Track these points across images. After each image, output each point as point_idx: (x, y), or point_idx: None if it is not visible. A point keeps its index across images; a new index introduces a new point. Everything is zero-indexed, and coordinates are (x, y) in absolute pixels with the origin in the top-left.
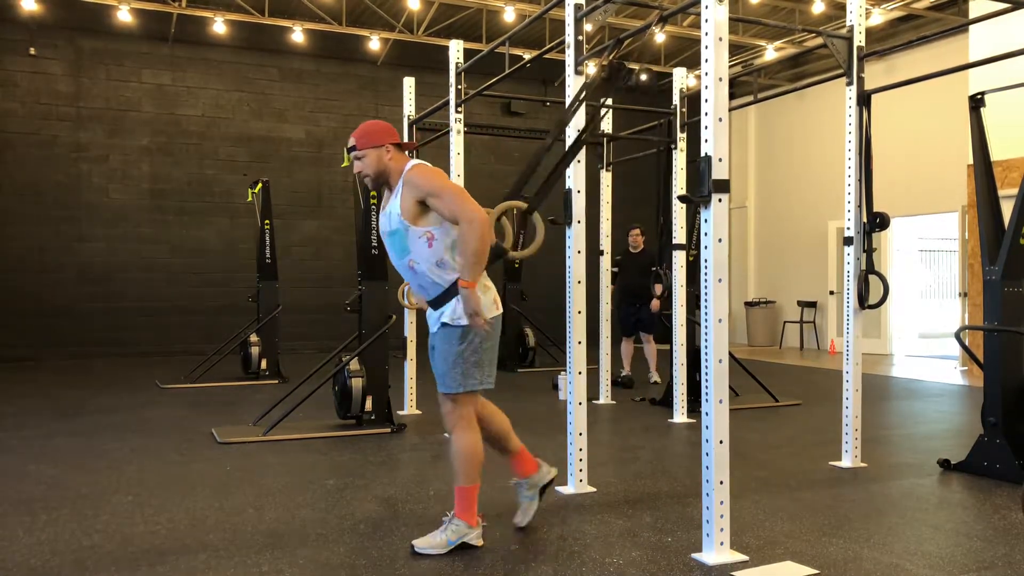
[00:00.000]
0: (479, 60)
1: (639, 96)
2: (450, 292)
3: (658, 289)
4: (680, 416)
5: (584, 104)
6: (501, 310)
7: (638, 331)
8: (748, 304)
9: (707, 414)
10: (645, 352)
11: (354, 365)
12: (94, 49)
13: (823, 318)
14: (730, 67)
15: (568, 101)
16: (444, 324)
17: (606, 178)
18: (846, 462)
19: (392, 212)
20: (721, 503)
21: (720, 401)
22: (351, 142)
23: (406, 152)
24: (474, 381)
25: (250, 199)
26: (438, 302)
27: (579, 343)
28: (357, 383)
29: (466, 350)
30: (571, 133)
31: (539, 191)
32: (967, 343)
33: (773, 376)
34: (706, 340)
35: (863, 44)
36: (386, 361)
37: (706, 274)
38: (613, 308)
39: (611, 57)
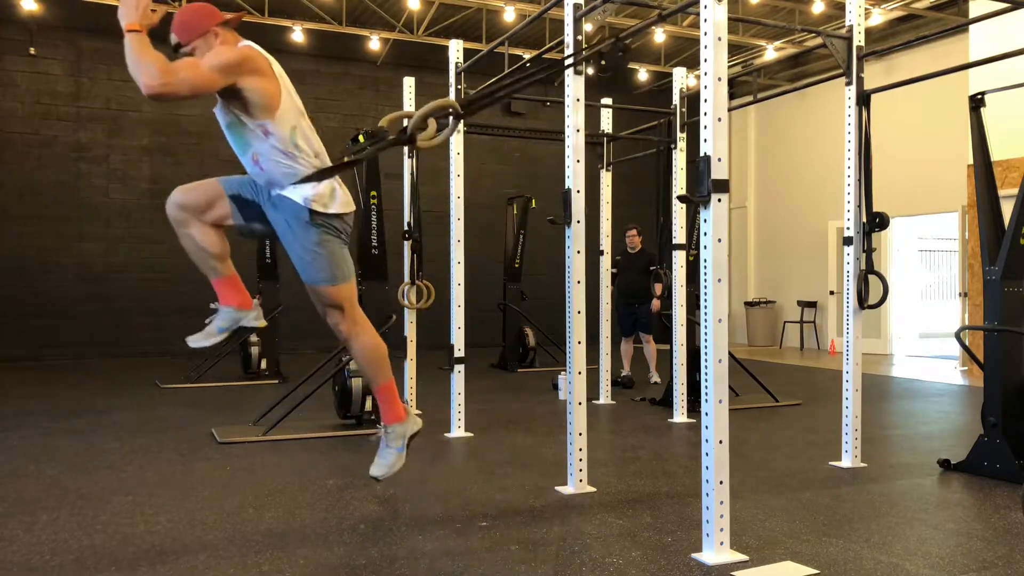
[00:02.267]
0: (479, 60)
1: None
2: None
3: (658, 289)
4: (680, 416)
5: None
6: (352, 209)
7: (637, 331)
8: (748, 304)
9: (707, 414)
10: (644, 352)
11: (354, 365)
12: (94, 49)
13: (823, 318)
14: (730, 67)
15: (568, 101)
16: (308, 218)
17: (606, 178)
18: (846, 462)
19: (219, 107)
20: (721, 503)
21: (720, 401)
22: (173, 39)
23: (230, 28)
24: (337, 268)
25: None
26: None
27: (579, 343)
28: (357, 383)
29: (325, 240)
30: (570, 132)
31: (474, 101)
32: (967, 343)
33: (773, 376)
34: (706, 340)
35: (863, 44)
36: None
37: (706, 274)
38: (612, 309)
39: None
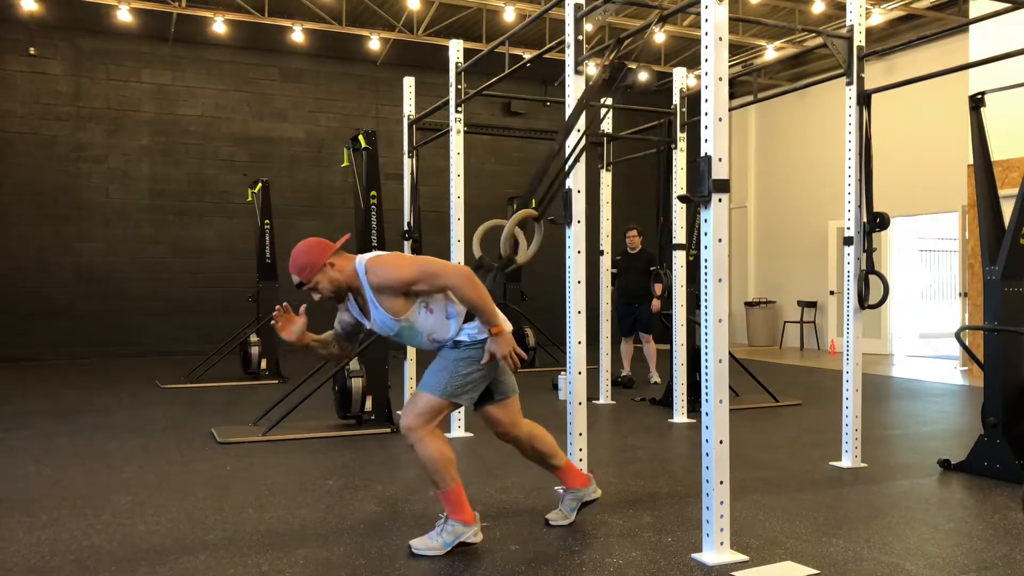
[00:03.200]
0: (479, 60)
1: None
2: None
3: (658, 289)
4: (680, 416)
5: (585, 108)
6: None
7: (637, 331)
8: (748, 304)
9: (707, 414)
10: (644, 352)
11: (354, 365)
12: (94, 49)
13: (823, 318)
14: (730, 67)
15: (568, 101)
16: (456, 342)
17: (606, 178)
18: (846, 462)
19: (384, 321)
20: (721, 503)
21: (720, 401)
22: (295, 280)
23: (341, 250)
24: (457, 392)
25: (250, 199)
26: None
27: (579, 343)
28: (357, 383)
29: (463, 363)
30: (573, 139)
31: (544, 198)
32: (967, 343)
33: (773, 376)
34: (706, 340)
35: (863, 44)
36: (386, 361)
37: (706, 274)
38: (612, 308)
39: (612, 57)
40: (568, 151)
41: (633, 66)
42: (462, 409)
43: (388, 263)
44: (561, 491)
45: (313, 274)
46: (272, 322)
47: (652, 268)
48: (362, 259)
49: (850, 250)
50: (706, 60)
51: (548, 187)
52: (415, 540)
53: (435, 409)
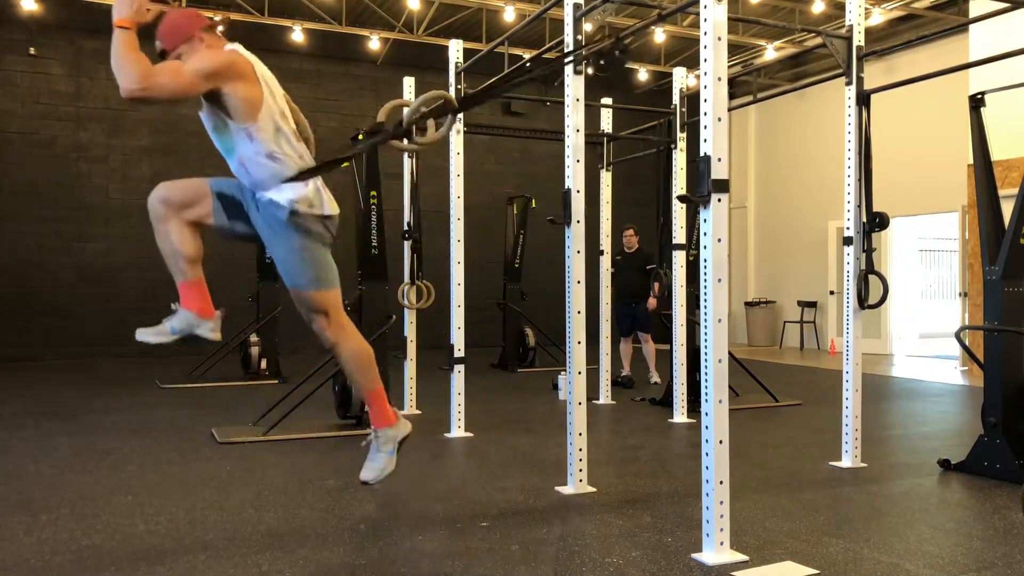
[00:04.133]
0: (479, 60)
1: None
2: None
3: (657, 288)
4: (680, 416)
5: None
6: (336, 211)
7: (635, 331)
8: (748, 304)
9: (707, 414)
10: (644, 352)
11: None
12: (94, 49)
13: (823, 318)
14: (730, 67)
15: (567, 101)
16: (289, 215)
17: (606, 178)
18: (846, 462)
19: (205, 112)
20: (721, 503)
21: (720, 401)
22: (158, 46)
23: (218, 33)
24: (330, 274)
25: None
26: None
27: (579, 343)
28: None
29: (308, 247)
30: (570, 132)
31: (471, 96)
32: (967, 343)
33: (773, 376)
34: (706, 340)
35: (863, 44)
36: (386, 361)
37: (706, 274)
38: (612, 309)
39: (605, 39)
40: (569, 156)
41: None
42: (463, 409)
43: (218, 53)
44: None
45: (179, 42)
46: None
47: (650, 267)
48: (232, 46)
49: (850, 250)
50: (705, 60)
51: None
52: (364, 474)
53: (337, 302)
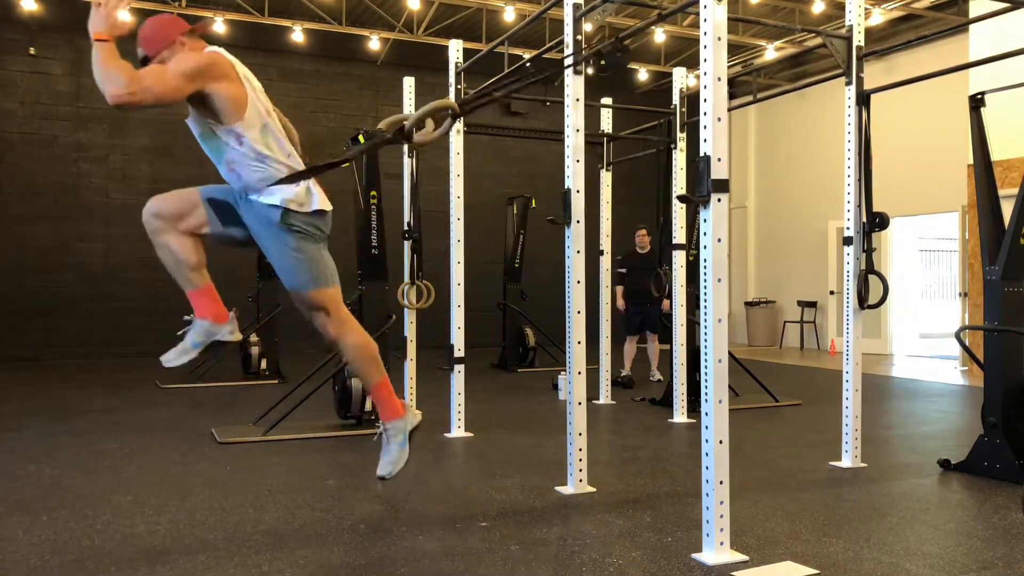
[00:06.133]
0: (479, 60)
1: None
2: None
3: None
4: (680, 416)
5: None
6: (329, 208)
7: (644, 330)
8: (748, 304)
9: (707, 414)
10: (648, 351)
11: None
12: None
13: (823, 318)
14: (730, 67)
15: (567, 101)
16: (282, 216)
17: (606, 178)
18: (846, 462)
19: (192, 118)
20: (721, 503)
21: (720, 401)
22: (140, 53)
23: (198, 36)
24: (327, 272)
25: None
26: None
27: (579, 343)
28: (357, 383)
29: (303, 246)
30: (570, 132)
31: (471, 100)
32: (967, 343)
33: (773, 376)
34: (706, 340)
35: (862, 44)
36: (386, 361)
37: (706, 274)
38: (624, 307)
39: (606, 42)
40: (569, 156)
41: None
42: (463, 409)
43: (199, 55)
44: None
45: (160, 48)
46: None
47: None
48: (212, 48)
49: (850, 250)
50: (705, 60)
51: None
52: (380, 470)
53: (337, 299)
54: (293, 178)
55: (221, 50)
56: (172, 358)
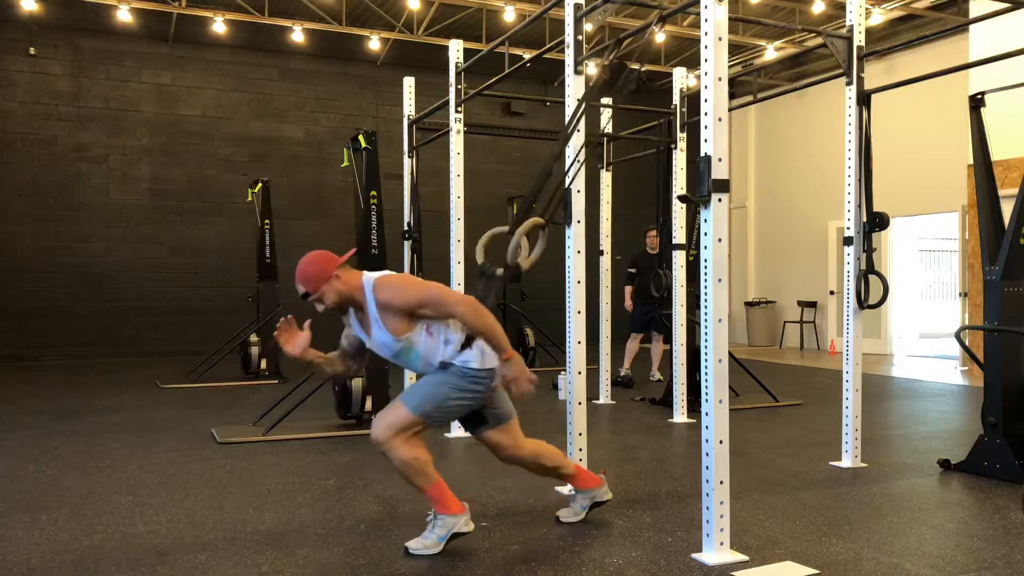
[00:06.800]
0: (479, 60)
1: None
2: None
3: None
4: (680, 416)
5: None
6: (494, 366)
7: (650, 329)
8: (748, 304)
9: (707, 414)
10: (652, 350)
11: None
12: (94, 49)
13: (823, 318)
14: (730, 67)
15: (568, 101)
16: (443, 363)
17: (606, 178)
18: (846, 462)
19: (384, 339)
20: (721, 503)
21: (720, 401)
22: (301, 290)
23: (347, 265)
24: (434, 414)
25: (250, 199)
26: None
27: (579, 343)
28: (357, 383)
29: (447, 387)
30: (574, 141)
31: (548, 203)
32: (967, 343)
33: (773, 376)
34: (706, 340)
35: (863, 44)
36: (386, 361)
37: (706, 274)
38: (631, 306)
39: (611, 58)
40: (569, 156)
41: (635, 66)
42: None
43: (397, 282)
44: (572, 491)
45: (319, 285)
46: (275, 334)
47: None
48: (370, 276)
49: (850, 250)
50: (706, 60)
51: (552, 192)
52: (411, 542)
53: (406, 424)
54: (468, 343)
55: (388, 272)
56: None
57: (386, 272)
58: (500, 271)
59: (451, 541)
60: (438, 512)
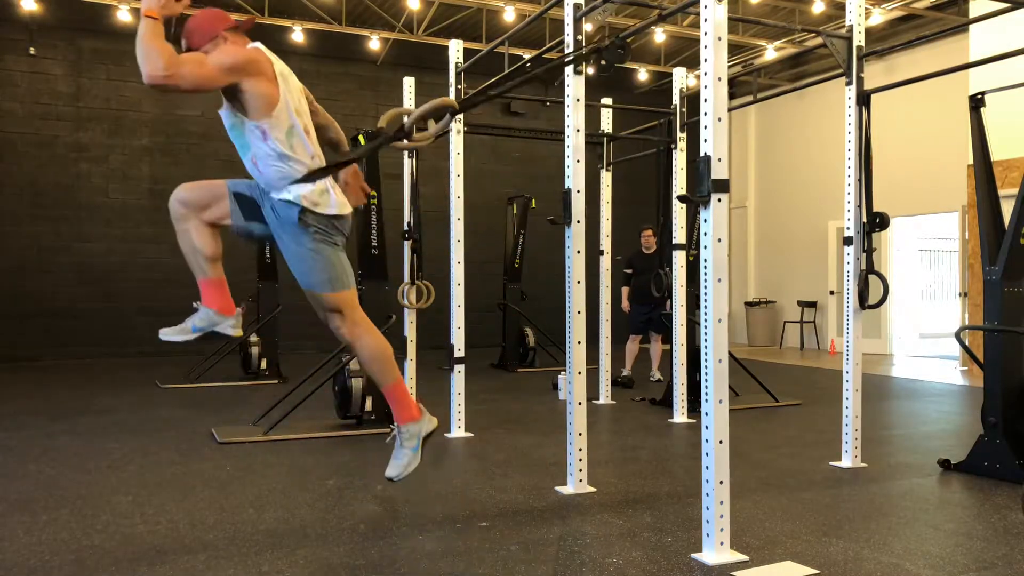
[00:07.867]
0: (479, 60)
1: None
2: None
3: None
4: (680, 416)
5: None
6: (348, 211)
7: (648, 330)
8: (748, 304)
9: (707, 414)
10: (651, 351)
11: (354, 365)
12: (94, 49)
13: (823, 318)
14: (730, 67)
15: (567, 101)
16: (286, 202)
17: (606, 178)
18: (846, 462)
19: (223, 111)
20: (721, 503)
21: (720, 401)
22: (183, 44)
23: (243, 34)
24: (344, 275)
25: None
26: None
27: (579, 343)
28: (357, 383)
29: (317, 246)
30: (570, 132)
31: (471, 98)
32: (967, 343)
33: (773, 376)
34: (706, 340)
35: (863, 44)
36: None
37: (706, 274)
38: (629, 307)
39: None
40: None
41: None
42: (463, 409)
43: (240, 50)
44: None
45: (204, 42)
46: None
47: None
48: (254, 44)
49: (850, 250)
50: (706, 60)
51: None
52: (389, 471)
53: (352, 301)
54: (307, 178)
55: (262, 47)
56: (170, 334)
57: (260, 44)
58: (390, 134)
59: (452, 545)
60: (400, 423)
